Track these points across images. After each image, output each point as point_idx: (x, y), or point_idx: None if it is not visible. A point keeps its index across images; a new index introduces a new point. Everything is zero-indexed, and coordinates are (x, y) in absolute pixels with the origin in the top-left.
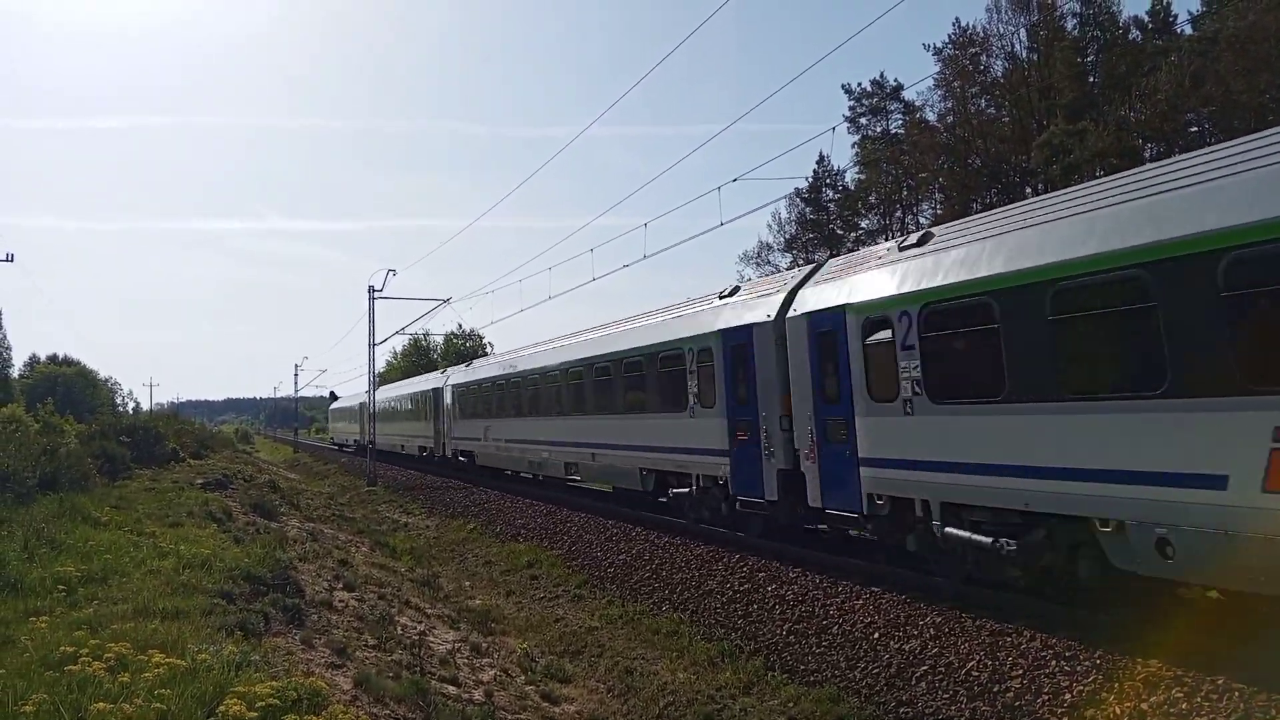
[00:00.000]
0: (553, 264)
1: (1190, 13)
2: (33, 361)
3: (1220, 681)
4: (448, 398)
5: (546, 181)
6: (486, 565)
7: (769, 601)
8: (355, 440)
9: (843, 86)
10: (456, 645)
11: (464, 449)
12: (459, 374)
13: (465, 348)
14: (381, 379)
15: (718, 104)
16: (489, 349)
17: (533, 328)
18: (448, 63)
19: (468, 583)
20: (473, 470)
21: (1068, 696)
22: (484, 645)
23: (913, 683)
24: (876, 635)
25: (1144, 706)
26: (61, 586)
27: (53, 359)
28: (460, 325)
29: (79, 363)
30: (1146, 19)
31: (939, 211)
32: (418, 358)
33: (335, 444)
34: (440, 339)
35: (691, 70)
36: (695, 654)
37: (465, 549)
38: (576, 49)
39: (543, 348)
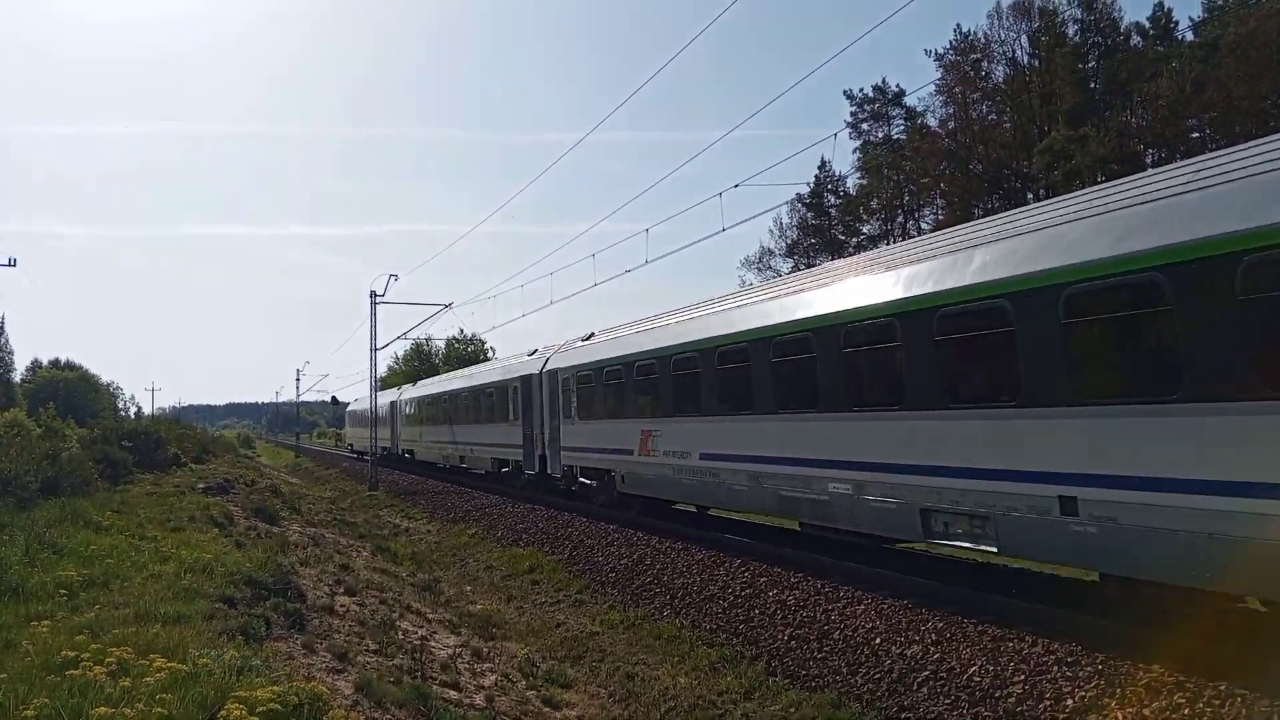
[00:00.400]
0: (554, 269)
1: (1191, 19)
2: (35, 366)
3: (1223, 687)
4: (547, 388)
5: (549, 187)
6: (488, 570)
7: (770, 607)
8: (384, 449)
9: (844, 92)
10: (458, 650)
11: (591, 465)
12: (574, 352)
13: (466, 352)
14: (382, 384)
15: (720, 110)
16: (490, 354)
17: (534, 333)
18: (454, 68)
19: (469, 588)
20: (605, 499)
21: (1070, 702)
22: (485, 650)
23: (914, 688)
24: (878, 640)
25: (1146, 712)
26: (63, 591)
27: (54, 363)
28: (461, 330)
29: (81, 367)
30: (1148, 25)
31: (940, 217)
32: (419, 363)
33: (354, 452)
34: (441, 344)
35: (694, 76)
36: (697, 659)
37: (466, 554)
38: (581, 54)
39: (816, 279)
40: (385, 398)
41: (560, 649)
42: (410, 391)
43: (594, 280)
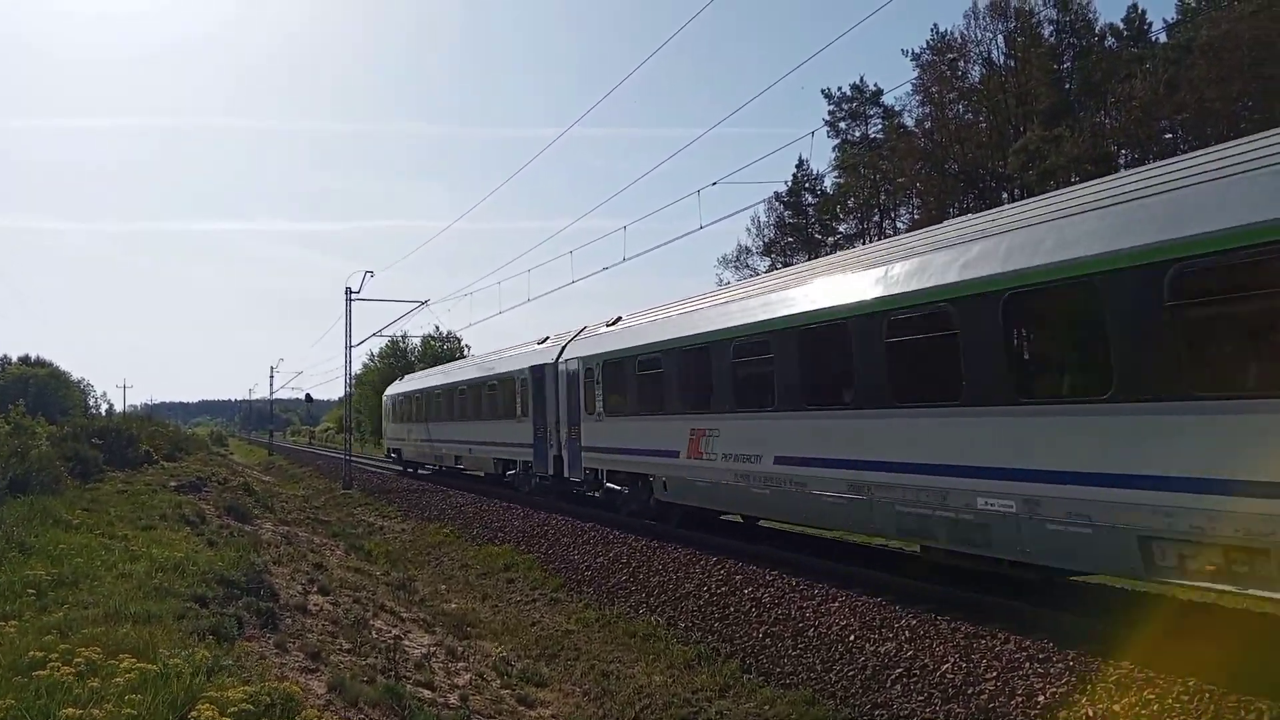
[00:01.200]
0: (532, 266)
1: (1165, 20)
2: (4, 363)
3: (1191, 683)
4: None
5: (527, 183)
6: (463, 569)
7: (746, 604)
8: (509, 460)
9: (823, 91)
10: (432, 649)
11: None
12: None
13: (442, 350)
14: (358, 381)
15: (699, 107)
16: (466, 351)
17: (510, 331)
18: (435, 63)
19: (444, 586)
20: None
21: (1040, 699)
22: (459, 649)
23: (888, 685)
24: (852, 637)
25: (1115, 708)
26: (31, 590)
27: (25, 360)
28: (437, 327)
29: (51, 364)
30: (1122, 26)
31: (916, 217)
32: (395, 360)
33: (402, 463)
34: (418, 341)
35: (673, 74)
36: (672, 657)
37: (441, 552)
38: (563, 49)
39: None
40: (526, 357)
41: (535, 647)
42: (640, 330)
43: (572, 277)
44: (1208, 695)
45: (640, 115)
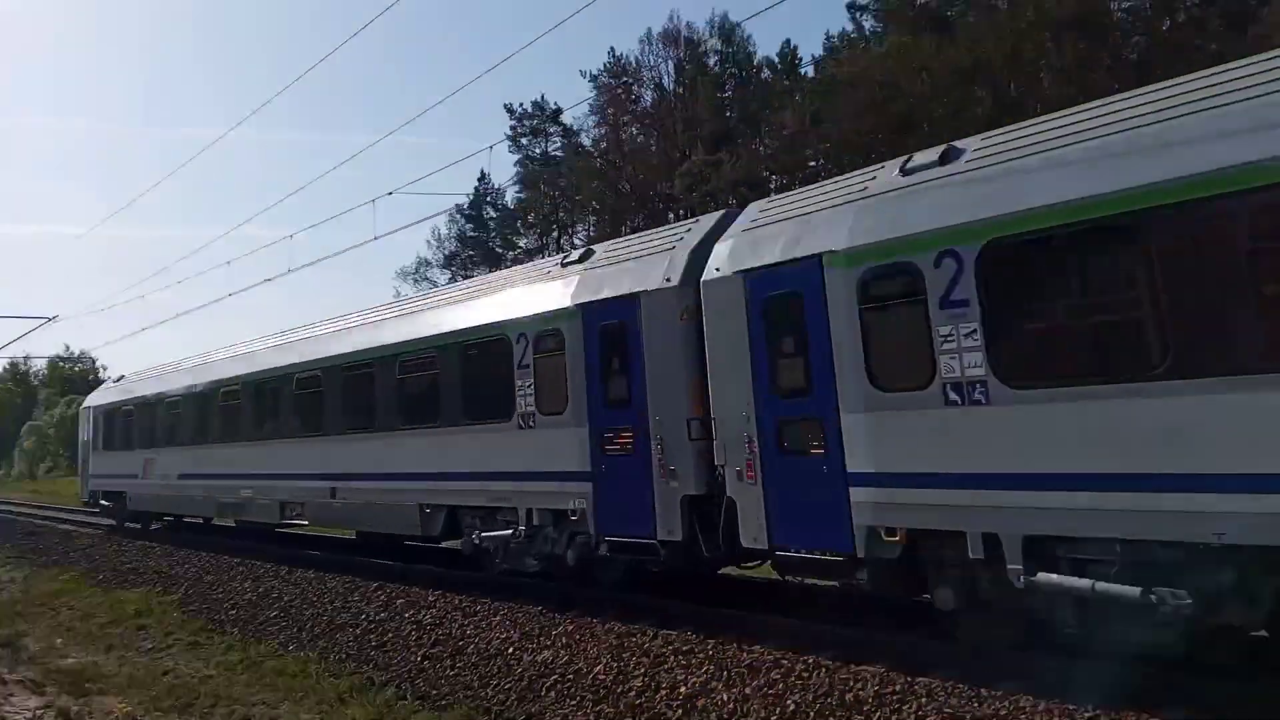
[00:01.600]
0: (183, 277)
1: (814, 56)
2: None
3: (810, 660)
4: None
5: (186, 187)
6: (85, 618)
7: (405, 628)
8: (489, 509)
9: (505, 106)
10: (39, 712)
11: None
12: None
13: (74, 372)
14: None
15: (373, 114)
16: (103, 373)
17: (163, 346)
18: (68, 56)
19: (60, 640)
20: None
21: (683, 690)
22: (74, 709)
23: (542, 693)
24: (511, 650)
25: (747, 691)
26: None
27: None
28: (68, 347)
29: None
30: (776, 60)
31: (593, 233)
32: (15, 385)
33: (120, 515)
34: (43, 363)
35: (346, 77)
36: (322, 692)
37: (60, 601)
38: (219, 46)
39: None
40: (505, 305)
41: (168, 698)
42: None
43: (229, 290)
44: (824, 670)
45: (314, 119)
